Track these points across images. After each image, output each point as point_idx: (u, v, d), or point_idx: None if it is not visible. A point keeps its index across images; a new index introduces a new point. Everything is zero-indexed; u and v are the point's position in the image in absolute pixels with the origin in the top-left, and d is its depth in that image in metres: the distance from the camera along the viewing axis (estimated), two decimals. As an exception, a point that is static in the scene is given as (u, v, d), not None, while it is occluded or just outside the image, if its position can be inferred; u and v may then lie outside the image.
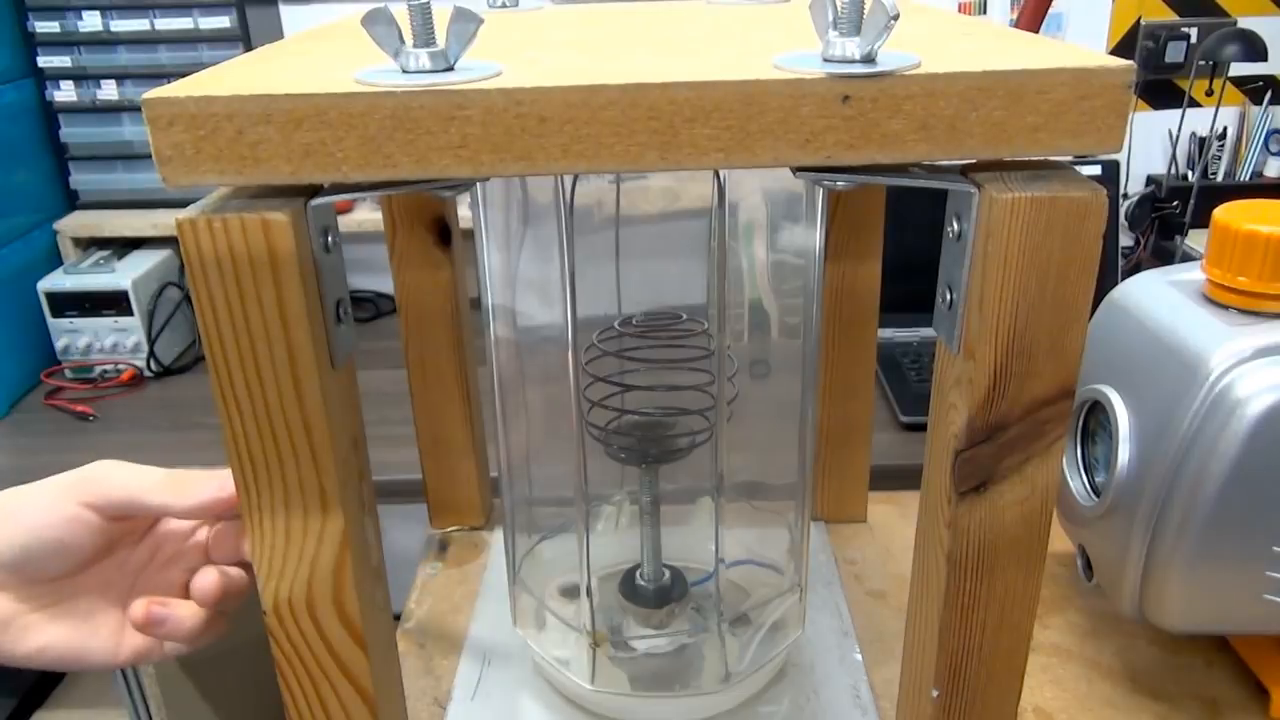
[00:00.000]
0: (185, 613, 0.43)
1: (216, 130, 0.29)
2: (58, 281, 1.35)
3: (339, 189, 0.31)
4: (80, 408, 1.27)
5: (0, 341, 1.29)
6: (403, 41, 0.30)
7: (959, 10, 1.47)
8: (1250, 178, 1.53)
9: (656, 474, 0.53)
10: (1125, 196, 1.51)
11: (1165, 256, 1.49)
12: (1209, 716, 0.54)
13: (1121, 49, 1.52)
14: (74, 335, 1.35)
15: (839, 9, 0.30)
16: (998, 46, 0.33)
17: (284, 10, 1.51)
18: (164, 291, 1.39)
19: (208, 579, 0.43)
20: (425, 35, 0.31)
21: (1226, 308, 0.50)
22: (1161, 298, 0.52)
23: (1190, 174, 1.53)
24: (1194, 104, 1.49)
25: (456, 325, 0.64)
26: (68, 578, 0.44)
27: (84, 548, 0.43)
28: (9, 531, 0.42)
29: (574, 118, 0.29)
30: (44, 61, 1.38)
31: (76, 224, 1.43)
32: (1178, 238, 1.47)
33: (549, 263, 0.46)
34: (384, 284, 1.41)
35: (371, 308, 1.54)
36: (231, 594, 0.44)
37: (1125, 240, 1.52)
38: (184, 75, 0.31)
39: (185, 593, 0.44)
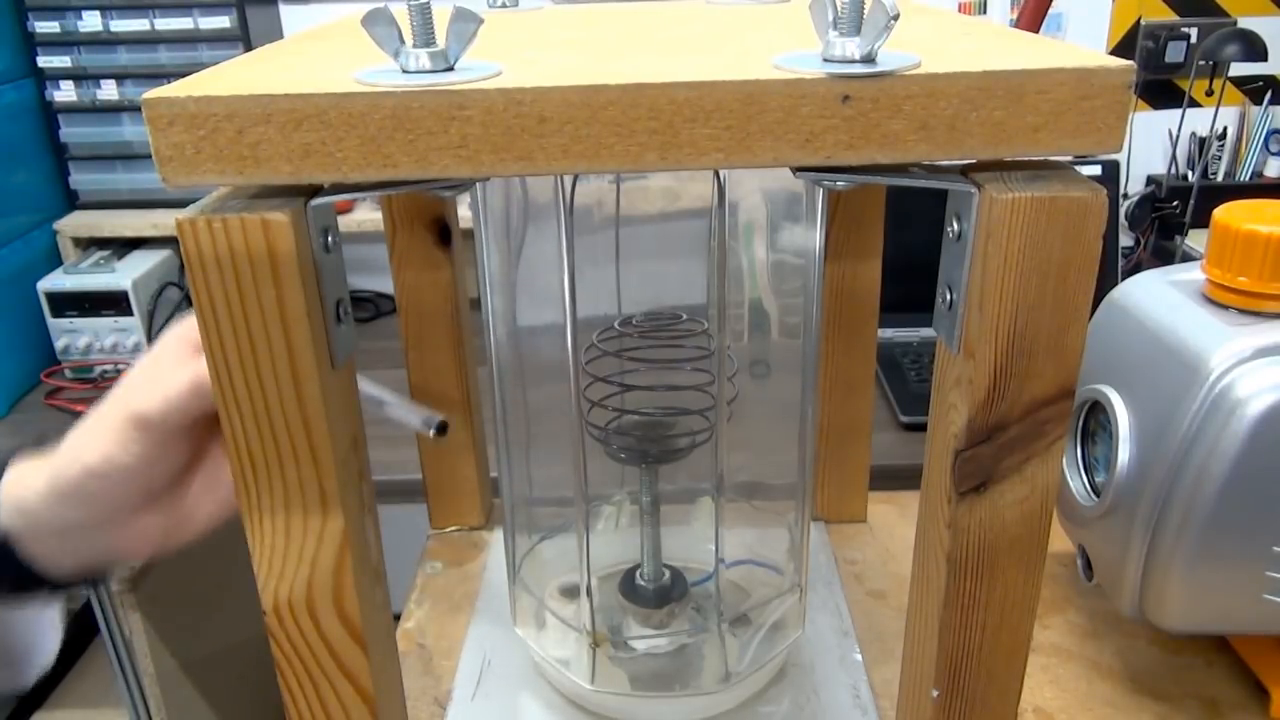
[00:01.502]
0: None
1: (216, 130, 0.29)
2: (58, 281, 1.35)
3: (339, 189, 0.31)
4: (80, 408, 1.27)
5: (0, 341, 1.29)
6: (403, 41, 0.30)
7: (959, 10, 1.47)
8: (1250, 178, 1.53)
9: (656, 474, 0.53)
10: (1125, 196, 1.51)
11: (1165, 256, 1.49)
12: (1209, 716, 0.54)
13: (1121, 49, 1.52)
14: (74, 335, 1.35)
15: (839, 9, 0.30)
16: (998, 46, 0.33)
17: (284, 10, 1.51)
18: (164, 291, 1.39)
19: None
20: (425, 35, 0.31)
21: (1226, 308, 0.50)
22: (1161, 298, 0.52)
23: (1190, 174, 1.53)
24: (1194, 104, 1.49)
25: (456, 325, 0.64)
26: (186, 475, 0.46)
27: (176, 460, 0.45)
28: (113, 487, 0.44)
29: (574, 118, 0.29)
30: (44, 61, 1.38)
31: (76, 224, 1.43)
32: (1178, 238, 1.47)
33: (549, 263, 0.46)
34: (384, 284, 1.41)
35: (371, 308, 1.54)
36: None
37: (1125, 240, 1.52)
38: (184, 75, 0.31)
39: None
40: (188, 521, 0.47)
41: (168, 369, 0.45)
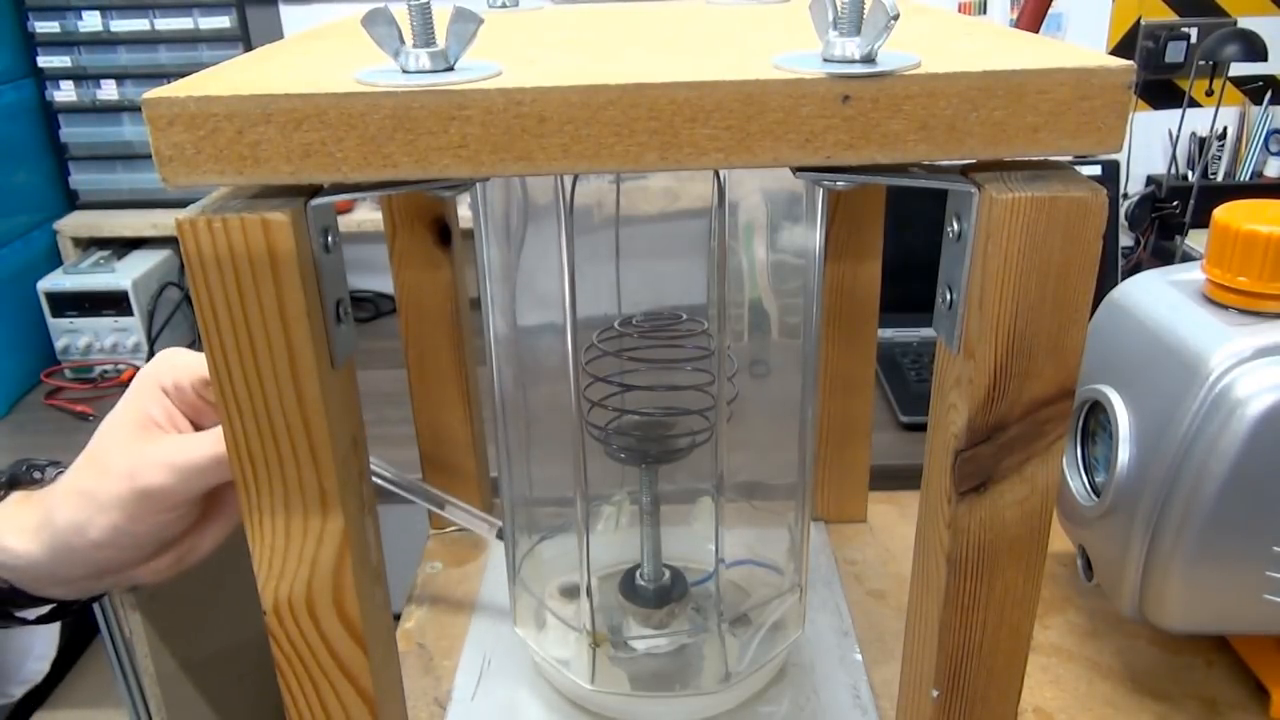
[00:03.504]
0: None
1: (216, 130, 0.29)
2: (58, 281, 1.35)
3: (339, 189, 0.31)
4: (80, 408, 1.27)
5: (0, 341, 1.29)
6: (403, 41, 0.30)
7: (959, 10, 1.47)
8: (1250, 178, 1.53)
9: (656, 474, 0.53)
10: (1125, 196, 1.51)
11: (1165, 256, 1.49)
12: (1209, 716, 0.54)
13: (1121, 49, 1.52)
14: (74, 335, 1.36)
15: (839, 9, 0.30)
16: (998, 46, 0.33)
17: (284, 10, 1.51)
18: (164, 291, 1.39)
19: None
20: (425, 35, 0.31)
21: (1226, 308, 0.50)
22: (1161, 298, 0.52)
23: (1190, 174, 1.53)
24: (1194, 104, 1.49)
25: (456, 325, 0.64)
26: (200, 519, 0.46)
27: (191, 517, 0.45)
28: (121, 552, 0.44)
29: (574, 118, 0.29)
30: (44, 61, 1.39)
31: (76, 224, 1.43)
32: (1178, 238, 1.47)
33: (549, 263, 0.46)
34: (384, 284, 1.41)
35: (371, 308, 1.54)
36: None
37: (1125, 240, 1.52)
38: (184, 75, 0.31)
39: None
40: (196, 550, 0.47)
41: (160, 429, 0.44)
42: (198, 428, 0.46)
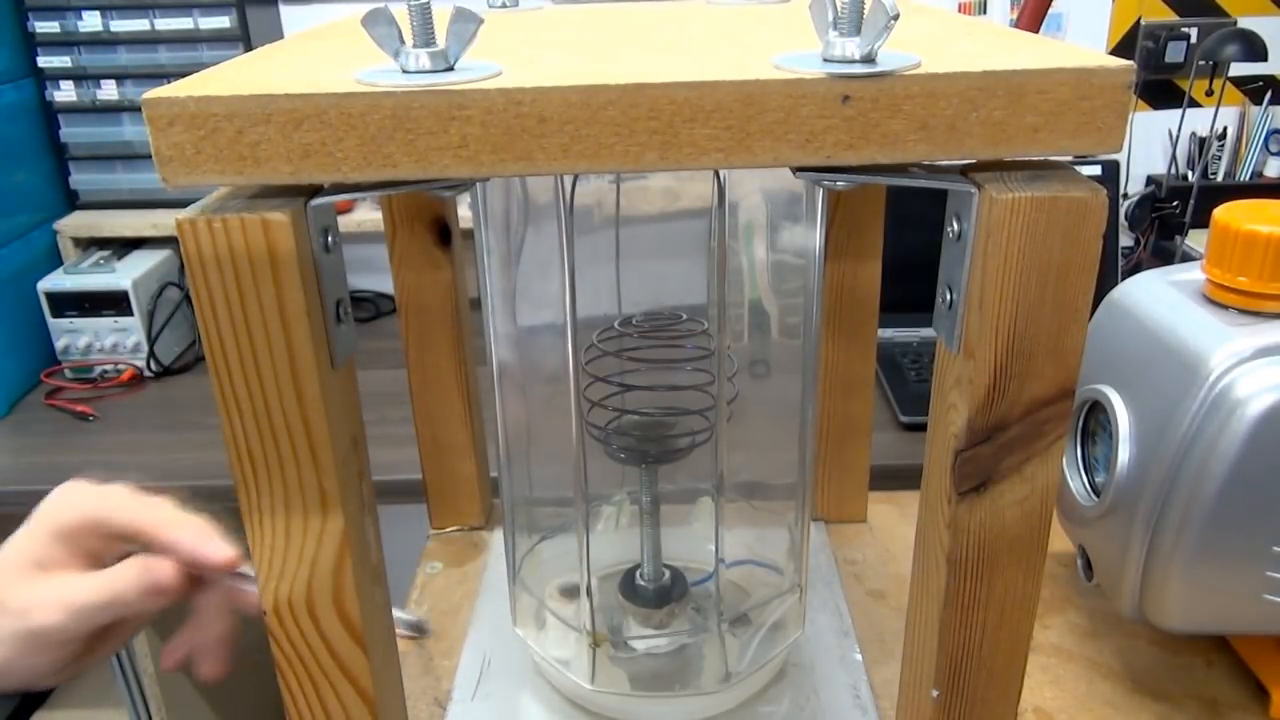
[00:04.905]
0: (203, 635, 0.47)
1: (216, 130, 0.29)
2: (58, 281, 1.35)
3: (339, 189, 0.31)
4: (80, 408, 1.27)
5: (0, 341, 1.29)
6: (403, 41, 0.30)
7: (959, 10, 1.47)
8: (1250, 178, 1.53)
9: (656, 474, 0.53)
10: (1125, 196, 1.51)
11: (1165, 256, 1.49)
12: (1209, 716, 0.54)
13: (1121, 49, 1.52)
14: (74, 335, 1.35)
15: (839, 9, 0.30)
16: (998, 46, 0.33)
17: (284, 10, 1.51)
18: (164, 291, 1.39)
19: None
20: (425, 35, 0.31)
21: (1226, 308, 0.50)
22: (1161, 298, 0.52)
23: (1190, 174, 1.53)
24: (1194, 104, 1.49)
25: (456, 325, 0.64)
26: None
27: (88, 645, 0.46)
28: (14, 681, 0.45)
29: (574, 118, 0.29)
30: (44, 61, 1.38)
31: (76, 224, 1.43)
32: (1178, 238, 1.47)
33: (549, 262, 0.46)
34: (384, 284, 1.41)
35: (371, 308, 1.54)
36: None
37: (1125, 240, 1.52)
38: (184, 75, 0.31)
39: None
40: (85, 666, 0.47)
41: (58, 570, 0.45)
42: (98, 563, 0.47)
